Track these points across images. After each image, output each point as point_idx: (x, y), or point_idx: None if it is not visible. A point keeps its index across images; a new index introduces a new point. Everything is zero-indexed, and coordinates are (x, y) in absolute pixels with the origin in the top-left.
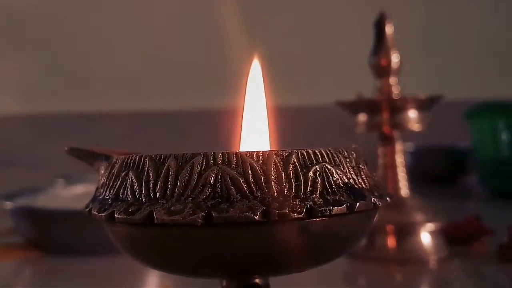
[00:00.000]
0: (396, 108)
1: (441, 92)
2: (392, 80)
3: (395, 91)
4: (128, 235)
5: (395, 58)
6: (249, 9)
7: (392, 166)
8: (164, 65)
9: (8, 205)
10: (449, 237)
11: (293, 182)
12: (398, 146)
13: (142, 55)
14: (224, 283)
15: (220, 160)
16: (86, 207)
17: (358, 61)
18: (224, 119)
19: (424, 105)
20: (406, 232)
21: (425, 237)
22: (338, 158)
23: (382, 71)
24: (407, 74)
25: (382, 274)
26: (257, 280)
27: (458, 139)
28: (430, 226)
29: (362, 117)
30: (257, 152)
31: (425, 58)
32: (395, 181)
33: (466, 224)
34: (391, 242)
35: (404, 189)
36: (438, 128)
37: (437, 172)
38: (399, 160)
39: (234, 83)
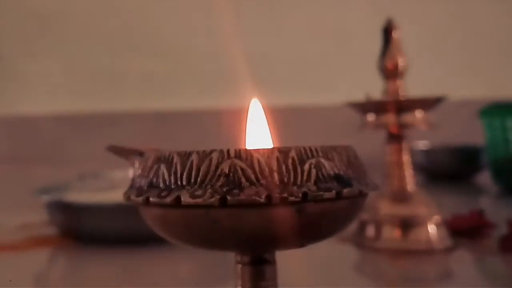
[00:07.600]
0: (403, 108)
1: (455, 92)
2: (399, 82)
3: (402, 92)
4: (160, 215)
5: (401, 62)
6: (264, 11)
7: (399, 163)
8: (185, 66)
9: (44, 199)
10: (454, 229)
11: (292, 173)
12: (405, 145)
13: (164, 56)
14: (239, 258)
15: (233, 155)
16: (125, 194)
17: (369, 63)
18: (235, 119)
19: (429, 106)
20: (412, 224)
21: (431, 229)
22: (331, 153)
23: (389, 73)
24: (421, 74)
25: (389, 264)
26: (265, 256)
27: (472, 138)
28: (435, 219)
29: (370, 117)
30: (263, 149)
31: (439, 58)
32: (402, 177)
33: (470, 218)
34: (398, 233)
35: (410, 185)
36: (452, 127)
37: (450, 169)
38: (406, 157)
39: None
